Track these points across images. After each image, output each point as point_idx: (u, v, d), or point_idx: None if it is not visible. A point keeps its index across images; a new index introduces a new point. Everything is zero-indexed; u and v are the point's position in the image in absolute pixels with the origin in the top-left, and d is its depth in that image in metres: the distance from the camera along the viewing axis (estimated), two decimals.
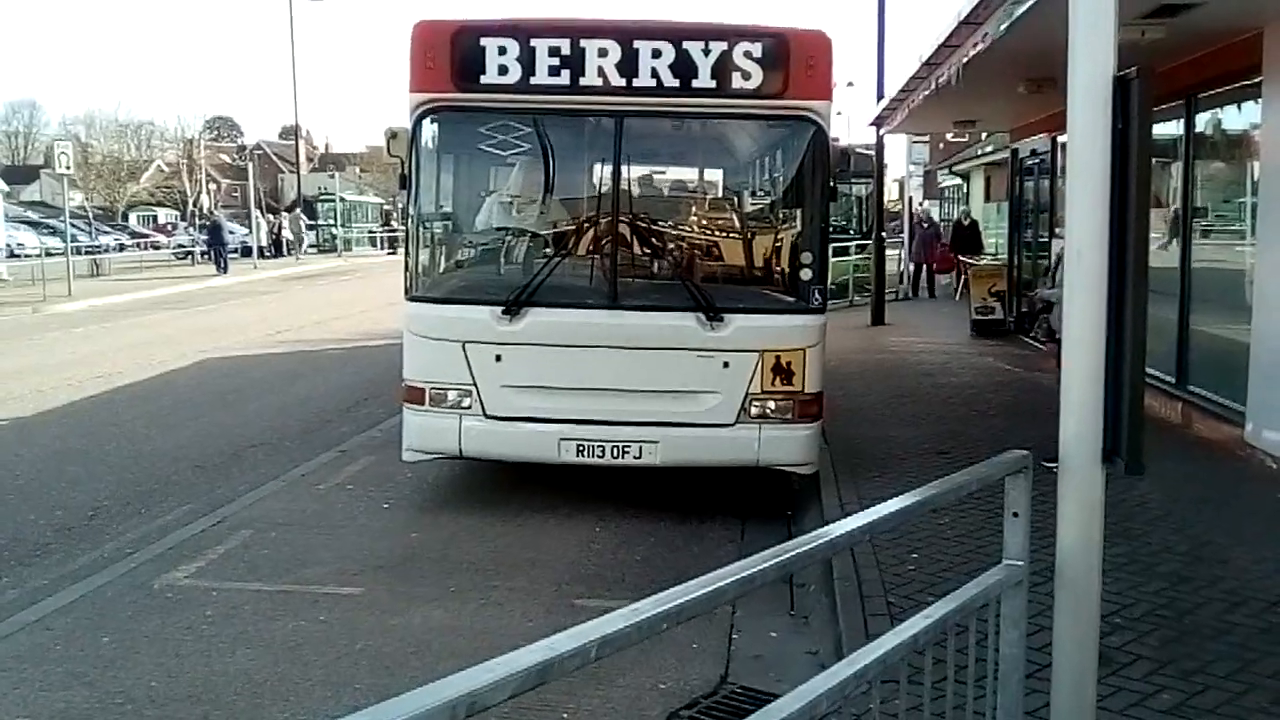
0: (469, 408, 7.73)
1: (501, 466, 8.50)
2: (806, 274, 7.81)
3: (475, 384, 7.70)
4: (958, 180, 39.02)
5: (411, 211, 8.02)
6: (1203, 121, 9.95)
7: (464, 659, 2.92)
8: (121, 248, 48.60)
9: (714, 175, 9.53)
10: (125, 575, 6.76)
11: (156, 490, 8.78)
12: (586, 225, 7.97)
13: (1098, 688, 4.64)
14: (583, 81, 7.54)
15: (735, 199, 9.32)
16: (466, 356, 7.69)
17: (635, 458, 7.70)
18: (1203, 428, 9.45)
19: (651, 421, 7.64)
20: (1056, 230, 14.59)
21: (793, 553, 2.45)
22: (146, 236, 52.99)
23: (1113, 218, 2.86)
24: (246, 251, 42.50)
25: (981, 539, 6.61)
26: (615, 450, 7.71)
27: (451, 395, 7.77)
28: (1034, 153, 15.97)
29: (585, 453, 7.71)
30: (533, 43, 7.54)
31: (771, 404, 7.69)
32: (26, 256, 36.30)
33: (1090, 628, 3.12)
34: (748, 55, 7.49)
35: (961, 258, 22.59)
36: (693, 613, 2.10)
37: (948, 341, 16.41)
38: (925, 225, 26.20)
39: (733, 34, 7.54)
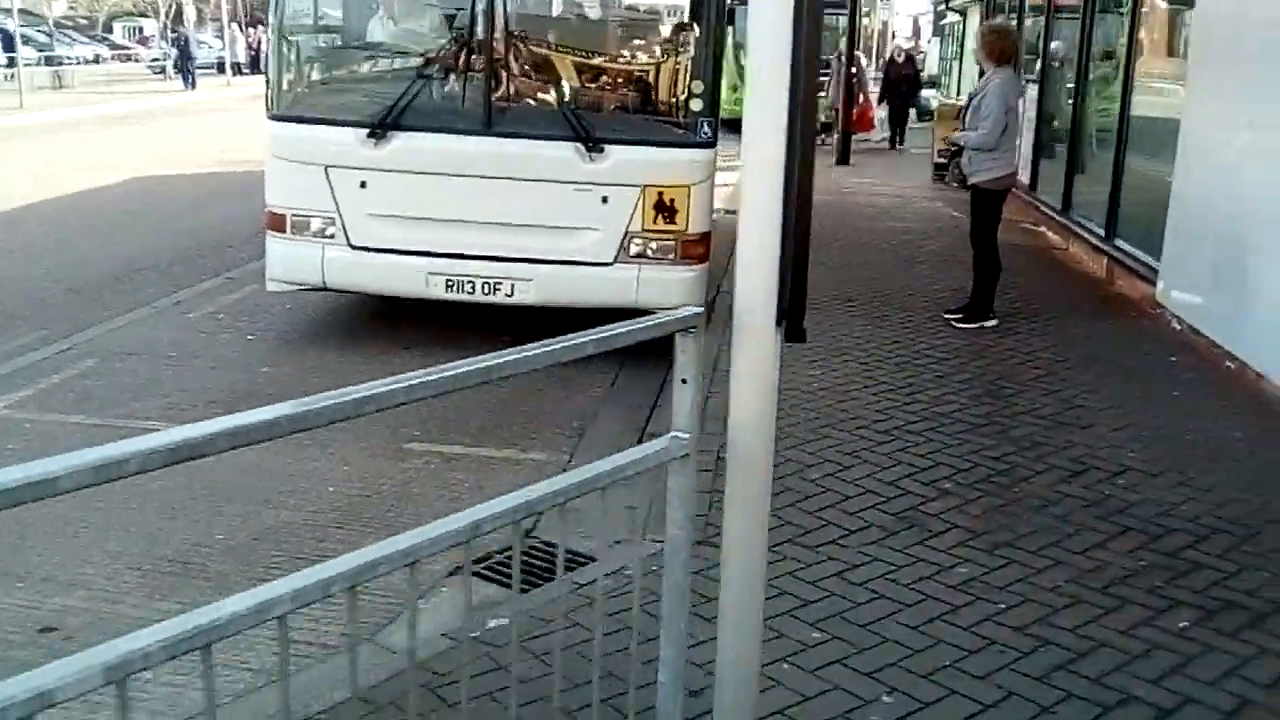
0: (332, 237, 7.32)
1: (377, 301, 8.12)
2: (696, 104, 7.27)
3: (339, 211, 7.26)
4: (956, 17, 37.44)
5: (273, 21, 7.44)
6: None
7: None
8: (98, 59, 47.20)
9: None
10: None
11: (19, 314, 8.40)
12: (462, 44, 7.37)
13: (898, 555, 4.43)
14: None
15: (624, 22, 8.68)
16: (330, 181, 7.22)
17: (507, 295, 7.31)
18: (1123, 284, 9.02)
19: (525, 258, 7.21)
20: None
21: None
22: (126, 49, 51.39)
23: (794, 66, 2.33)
24: (223, 67, 41.19)
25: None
26: (486, 287, 7.32)
27: (314, 223, 7.34)
28: None
29: (455, 288, 7.31)
30: None
31: (653, 243, 7.26)
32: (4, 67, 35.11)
33: (760, 504, 2.76)
34: None
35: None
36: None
37: (906, 185, 15.77)
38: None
39: None
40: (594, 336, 2.55)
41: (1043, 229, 11.95)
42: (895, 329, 7.86)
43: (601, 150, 7.07)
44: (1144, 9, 9.34)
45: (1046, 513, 4.87)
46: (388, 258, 7.30)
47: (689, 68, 7.36)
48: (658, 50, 7.84)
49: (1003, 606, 4.07)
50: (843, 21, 24.14)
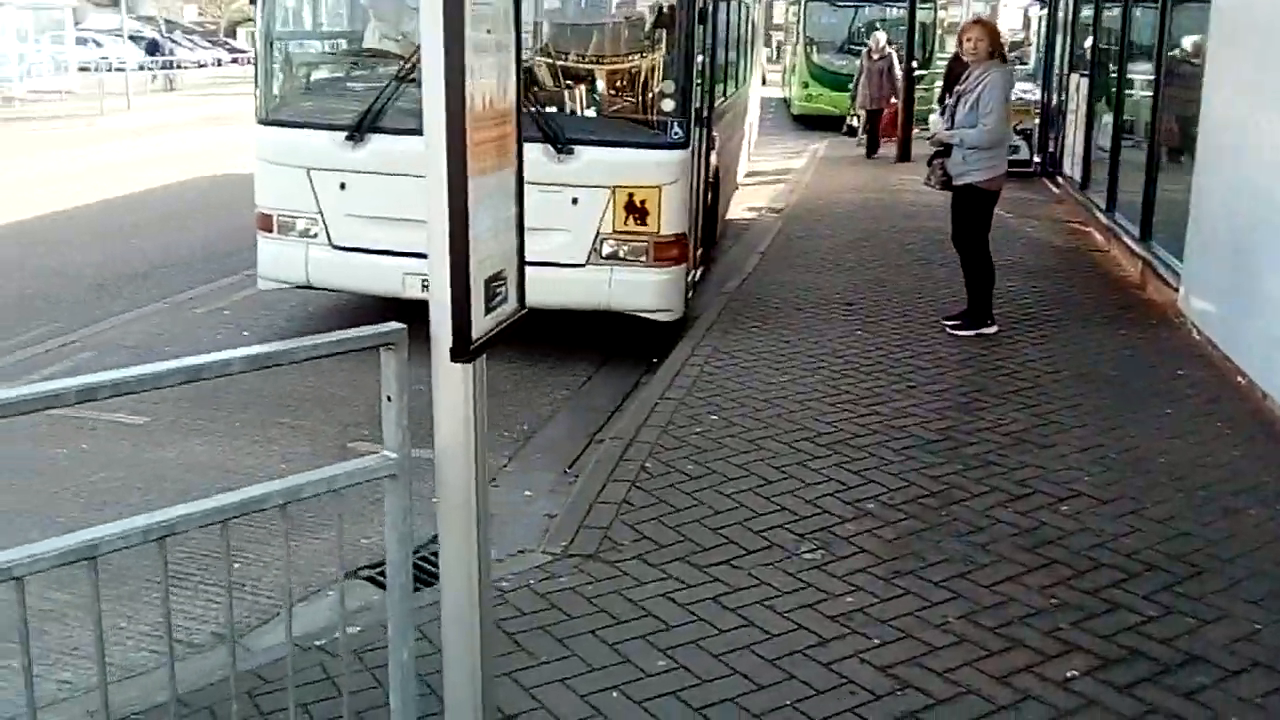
0: (315, 236, 7.41)
1: (372, 301, 8.12)
2: (668, 104, 7.13)
3: (321, 212, 7.35)
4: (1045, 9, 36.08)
5: (259, 29, 7.52)
6: None
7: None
8: (219, 63, 48.89)
9: None
10: None
11: (40, 308, 8.65)
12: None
13: (787, 579, 4.20)
14: None
15: (594, 21, 8.50)
16: (311, 183, 7.31)
17: None
18: (1153, 290, 8.50)
19: None
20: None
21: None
22: (244, 53, 53.01)
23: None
24: None
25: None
26: None
27: (299, 223, 7.44)
28: None
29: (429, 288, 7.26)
30: None
31: (625, 245, 7.13)
32: (117, 70, 36.55)
33: (467, 526, 2.58)
34: None
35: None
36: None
37: None
38: (877, 57, 18.47)
39: None
40: (292, 345, 2.42)
41: (1090, 230, 11.39)
42: (887, 335, 7.54)
43: (571, 151, 6.96)
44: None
45: (967, 540, 4.56)
46: (366, 257, 7.32)
47: (661, 68, 7.18)
48: (629, 50, 7.66)
49: (876, 642, 3.81)
50: (926, 16, 23.57)
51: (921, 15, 22.55)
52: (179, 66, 42.15)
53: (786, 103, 27.92)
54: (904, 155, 17.08)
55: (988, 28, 7.71)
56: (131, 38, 46.27)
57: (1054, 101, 15.61)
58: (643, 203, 7.01)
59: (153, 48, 42.67)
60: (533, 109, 7.13)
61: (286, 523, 2.42)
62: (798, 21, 26.57)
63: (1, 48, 28.75)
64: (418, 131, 7.18)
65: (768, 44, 32.67)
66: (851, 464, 5.32)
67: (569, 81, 7.48)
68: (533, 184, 6.91)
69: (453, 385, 2.43)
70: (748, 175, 15.35)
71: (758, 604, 4.06)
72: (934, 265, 9.65)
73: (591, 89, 7.51)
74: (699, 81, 7.54)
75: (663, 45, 7.16)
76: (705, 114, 8.14)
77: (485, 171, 2.38)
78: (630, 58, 7.62)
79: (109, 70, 30.40)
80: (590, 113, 7.43)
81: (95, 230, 11.87)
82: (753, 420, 5.93)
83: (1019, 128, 15.22)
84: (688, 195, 7.31)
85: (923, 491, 5.01)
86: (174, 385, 2.16)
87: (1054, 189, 14.31)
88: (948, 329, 7.53)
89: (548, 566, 4.40)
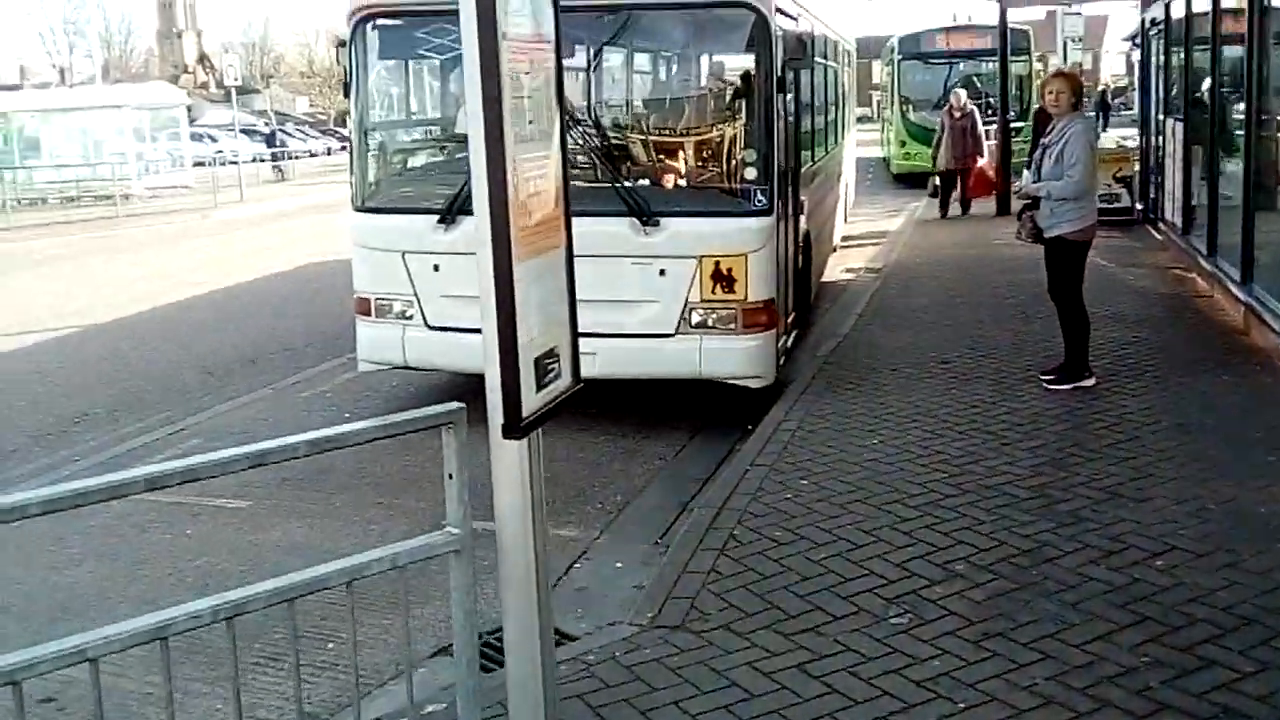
0: (411, 318, 7.65)
1: (468, 380, 8.32)
2: (751, 173, 7.23)
3: (416, 294, 7.59)
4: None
5: (353, 121, 7.85)
6: None
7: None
8: (329, 152, 50.81)
9: (655, 70, 8.87)
10: (44, 480, 6.97)
11: (149, 397, 9.06)
12: None
13: (874, 645, 4.15)
14: None
15: (676, 95, 8.69)
16: (406, 266, 7.56)
17: None
18: (1257, 336, 8.24)
19: (588, 332, 7.24)
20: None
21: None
22: None
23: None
24: None
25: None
26: None
27: (395, 305, 7.69)
28: (1153, 21, 14.20)
29: None
30: None
31: (714, 313, 7.20)
32: (230, 163, 38.35)
33: (528, 600, 2.63)
34: None
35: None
36: None
37: None
38: (959, 115, 17.41)
39: None
40: (355, 428, 2.53)
41: (1193, 275, 11.09)
42: (983, 392, 7.44)
43: (657, 223, 7.08)
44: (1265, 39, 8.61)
45: (1058, 598, 4.46)
46: (461, 336, 7.46)
47: (742, 136, 7.29)
48: (711, 120, 7.80)
49: (961, 706, 3.75)
50: (1022, 68, 23.40)
51: (1018, 68, 22.48)
52: (291, 157, 43.98)
53: (885, 162, 27.91)
54: (1003, 209, 16.86)
55: (1069, 80, 7.67)
56: (245, 131, 48.69)
57: (1152, 147, 15.31)
58: (729, 270, 7.09)
59: (271, 139, 44.86)
60: (618, 184, 7.31)
61: (352, 599, 2.50)
62: (892, 80, 26.63)
63: (120, 147, 30.29)
64: None
65: (866, 103, 32.59)
66: (941, 525, 5.25)
67: (653, 154, 7.65)
68: (622, 257, 7.22)
69: (508, 460, 2.51)
70: (845, 239, 15.35)
71: (843, 671, 4.02)
72: (1032, 319, 9.50)
73: (675, 160, 7.67)
74: (781, 148, 7.62)
75: (743, 114, 7.29)
76: (790, 180, 8.21)
77: (533, 255, 2.48)
78: (712, 128, 7.77)
79: (222, 164, 31.99)
80: (675, 184, 7.56)
81: (207, 320, 12.41)
82: (843, 484, 5.90)
83: (1119, 175, 14.99)
84: (774, 261, 7.36)
85: (1014, 551, 4.92)
86: (241, 470, 2.28)
87: (1156, 235, 14.00)
88: (1044, 384, 7.41)
89: (634, 638, 4.42)
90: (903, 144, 25.07)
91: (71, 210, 27.05)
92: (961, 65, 25.13)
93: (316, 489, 6.67)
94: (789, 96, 8.03)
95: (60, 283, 16.17)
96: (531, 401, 2.45)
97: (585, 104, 8.08)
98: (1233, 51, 10.02)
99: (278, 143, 44.40)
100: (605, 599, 5.12)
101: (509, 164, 2.27)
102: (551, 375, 2.57)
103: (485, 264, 2.36)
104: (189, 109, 40.83)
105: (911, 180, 23.89)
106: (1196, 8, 11.55)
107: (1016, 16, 20.84)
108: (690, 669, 4.11)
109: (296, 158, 44.72)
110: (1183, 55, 12.20)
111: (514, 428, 2.38)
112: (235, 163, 30.65)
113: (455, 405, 2.58)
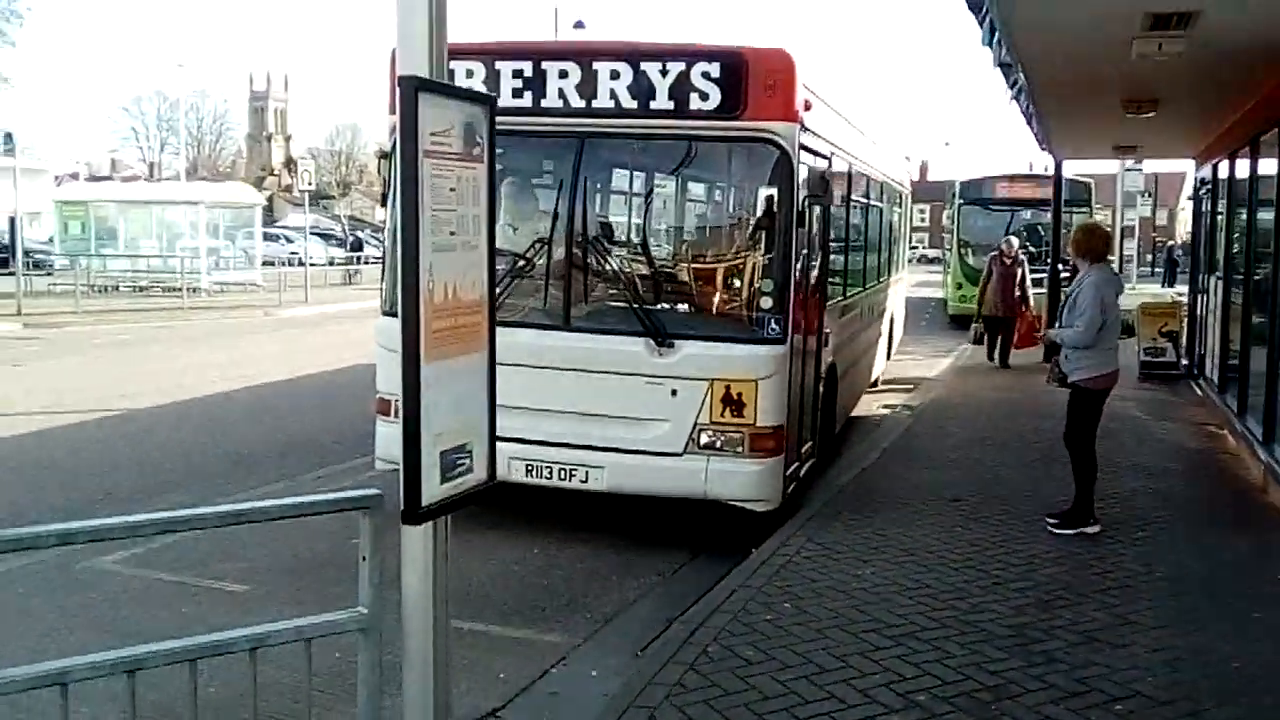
0: None
1: None
2: (766, 302, 7.39)
3: None
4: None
5: (387, 229, 8.20)
6: None
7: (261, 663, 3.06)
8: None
9: (675, 198, 9.12)
10: (64, 555, 7.16)
11: (173, 480, 9.32)
12: (542, 246, 7.81)
13: None
14: (544, 104, 7.49)
15: (695, 223, 8.93)
16: None
17: (581, 481, 7.53)
18: (1275, 494, 8.15)
19: (599, 446, 7.44)
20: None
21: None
22: None
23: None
24: None
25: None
26: (563, 473, 7.57)
27: None
28: (1203, 181, 14.33)
29: (534, 473, 7.59)
30: (497, 65, 7.59)
31: (723, 435, 7.30)
32: (302, 264, 39.58)
33: (424, 679, 2.73)
34: (705, 75, 7.22)
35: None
36: None
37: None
38: (1009, 262, 16.72)
39: (690, 54, 7.28)
40: (273, 504, 2.68)
41: (1224, 433, 11.00)
42: (987, 532, 7.43)
43: (671, 345, 7.26)
44: None
45: None
46: None
47: (761, 266, 7.46)
48: (732, 249, 8.01)
49: None
50: (1083, 218, 23.53)
51: (1077, 219, 22.61)
52: (365, 261, 45.24)
53: (944, 303, 28.09)
54: (1050, 353, 16.75)
55: (1087, 230, 7.83)
56: (322, 234, 50.24)
57: (1199, 302, 15.31)
58: (739, 395, 7.21)
59: (357, 245, 46.22)
60: (635, 304, 7.52)
61: (253, 666, 2.62)
62: (954, 223, 26.93)
63: (194, 243, 31.41)
64: (525, 324, 7.65)
65: (939, 244, 32.53)
66: (913, 656, 5.25)
67: (673, 278, 7.86)
68: (635, 375, 7.40)
69: (413, 546, 2.65)
70: (887, 381, 15.39)
71: None
72: (1054, 464, 9.46)
73: (693, 285, 7.86)
74: (801, 280, 7.77)
75: (763, 244, 7.45)
76: (812, 311, 8.36)
77: (447, 356, 2.65)
78: (732, 256, 7.98)
79: (292, 265, 33.00)
80: (691, 308, 7.75)
81: (249, 411, 12.75)
82: (825, 610, 5.92)
83: (1164, 329, 14.97)
84: (787, 389, 7.46)
85: (978, 686, 4.91)
86: (150, 535, 2.43)
87: (1197, 391, 13.92)
88: (1049, 528, 7.39)
89: None
90: (959, 286, 25.26)
91: (140, 299, 28.03)
92: (1023, 213, 25.37)
93: (316, 579, 6.81)
94: (813, 231, 8.22)
95: (116, 366, 16.71)
96: (433, 491, 2.59)
97: (607, 226, 8.36)
98: (1266, 215, 10.12)
99: (358, 247, 45.69)
100: (571, 703, 5.18)
101: (422, 269, 2.46)
102: (461, 470, 2.71)
103: (401, 357, 2.53)
104: (271, 209, 42.37)
105: (966, 321, 23.93)
106: (1239, 172, 11.69)
107: (1085, 168, 21.05)
108: None
109: (370, 263, 45.98)
110: (1225, 215, 12.30)
111: (412, 514, 2.52)
112: (303, 263, 31.63)
113: (373, 491, 2.74)
